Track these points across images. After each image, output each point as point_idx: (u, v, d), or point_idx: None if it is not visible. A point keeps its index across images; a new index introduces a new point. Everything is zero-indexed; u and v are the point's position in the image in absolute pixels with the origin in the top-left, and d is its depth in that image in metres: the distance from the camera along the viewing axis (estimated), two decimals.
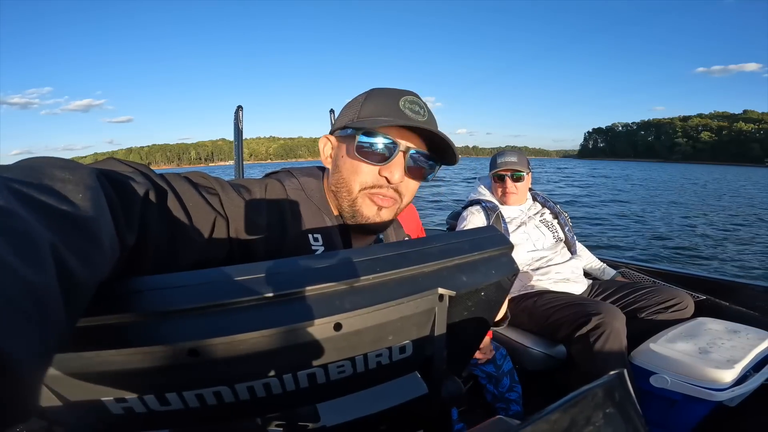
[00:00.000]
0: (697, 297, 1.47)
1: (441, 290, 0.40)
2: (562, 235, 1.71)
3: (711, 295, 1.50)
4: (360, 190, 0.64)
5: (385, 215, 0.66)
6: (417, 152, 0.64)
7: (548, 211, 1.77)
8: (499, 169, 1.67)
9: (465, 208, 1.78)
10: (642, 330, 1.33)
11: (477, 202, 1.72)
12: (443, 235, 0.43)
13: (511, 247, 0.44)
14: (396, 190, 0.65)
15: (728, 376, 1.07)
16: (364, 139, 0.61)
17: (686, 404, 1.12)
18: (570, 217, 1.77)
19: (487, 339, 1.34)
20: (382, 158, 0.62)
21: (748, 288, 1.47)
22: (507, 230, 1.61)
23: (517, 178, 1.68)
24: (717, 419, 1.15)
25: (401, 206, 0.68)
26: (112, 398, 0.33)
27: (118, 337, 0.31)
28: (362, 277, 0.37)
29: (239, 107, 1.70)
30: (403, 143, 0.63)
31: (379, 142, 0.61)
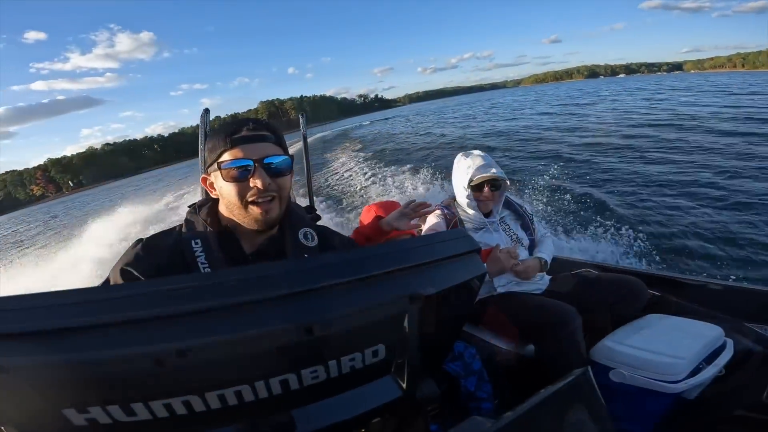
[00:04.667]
0: (651, 293, 1.57)
1: (411, 293, 0.41)
2: (519, 236, 1.70)
3: (664, 291, 1.60)
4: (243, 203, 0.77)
5: (273, 213, 0.78)
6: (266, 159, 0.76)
7: (509, 213, 1.77)
8: (476, 179, 1.59)
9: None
10: (600, 326, 1.40)
11: (440, 207, 1.68)
12: (412, 239, 0.45)
13: (478, 249, 0.46)
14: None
15: (681, 368, 1.14)
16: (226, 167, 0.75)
17: (645, 397, 1.19)
18: None
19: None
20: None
21: (698, 284, 1.58)
22: None
23: (496, 187, 1.61)
24: (679, 412, 1.22)
25: (283, 201, 0.80)
26: (73, 409, 0.32)
27: (82, 344, 0.30)
28: (332, 282, 0.38)
29: (206, 110, 1.66)
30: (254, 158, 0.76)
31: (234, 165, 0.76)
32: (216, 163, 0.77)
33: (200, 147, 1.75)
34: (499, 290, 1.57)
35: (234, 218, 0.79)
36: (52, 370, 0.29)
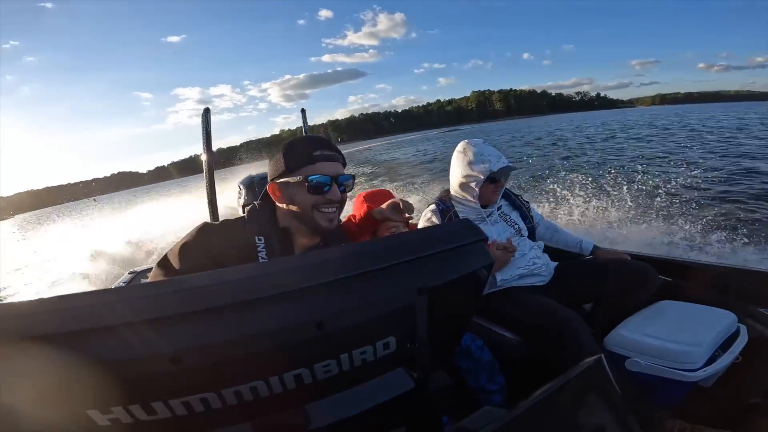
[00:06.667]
0: (663, 279, 1.53)
1: (420, 284, 0.41)
2: (520, 226, 1.64)
3: (676, 277, 1.56)
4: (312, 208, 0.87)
5: (335, 221, 0.90)
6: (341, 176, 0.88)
7: (506, 202, 1.71)
8: (497, 170, 1.52)
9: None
10: (611, 314, 1.38)
11: (435, 202, 1.64)
12: (419, 231, 0.45)
13: (484, 238, 0.46)
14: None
15: (699, 356, 1.12)
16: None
17: (663, 386, 1.17)
18: None
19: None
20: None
21: (711, 269, 1.54)
22: None
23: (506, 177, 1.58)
24: (695, 399, 1.19)
25: (341, 212, 0.92)
26: (97, 410, 0.33)
27: (102, 345, 0.31)
28: (342, 276, 0.38)
29: (206, 109, 1.65)
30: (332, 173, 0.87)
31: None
32: (296, 175, 0.86)
33: (203, 146, 1.76)
34: (500, 285, 1.53)
35: (298, 222, 0.88)
36: (80, 371, 0.30)
